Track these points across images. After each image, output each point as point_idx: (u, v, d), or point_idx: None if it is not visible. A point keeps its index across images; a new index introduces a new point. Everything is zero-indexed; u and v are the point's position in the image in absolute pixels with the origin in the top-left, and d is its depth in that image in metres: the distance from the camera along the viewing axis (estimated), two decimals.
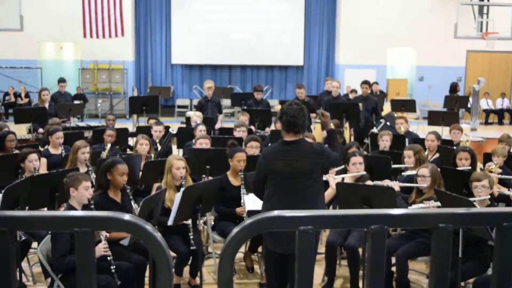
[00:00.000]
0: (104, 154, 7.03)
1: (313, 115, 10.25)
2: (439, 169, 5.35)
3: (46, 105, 10.56)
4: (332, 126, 5.05)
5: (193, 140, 7.28)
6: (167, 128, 8.19)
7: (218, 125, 9.90)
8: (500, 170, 5.99)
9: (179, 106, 18.27)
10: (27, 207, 4.82)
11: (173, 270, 4.58)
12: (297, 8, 18.76)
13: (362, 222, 1.55)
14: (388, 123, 9.80)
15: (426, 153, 6.79)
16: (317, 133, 10.32)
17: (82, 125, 11.33)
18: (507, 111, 18.52)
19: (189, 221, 4.90)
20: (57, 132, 7.18)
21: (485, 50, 17.12)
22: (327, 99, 10.52)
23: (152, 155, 6.84)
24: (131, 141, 9.36)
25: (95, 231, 1.62)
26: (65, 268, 4.13)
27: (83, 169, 5.90)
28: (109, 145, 7.39)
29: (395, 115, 10.93)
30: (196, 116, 8.94)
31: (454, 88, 13.62)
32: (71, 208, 4.43)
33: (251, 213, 5.18)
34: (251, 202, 5.20)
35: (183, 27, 18.58)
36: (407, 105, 12.08)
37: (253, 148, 6.44)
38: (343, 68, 18.44)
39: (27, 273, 5.33)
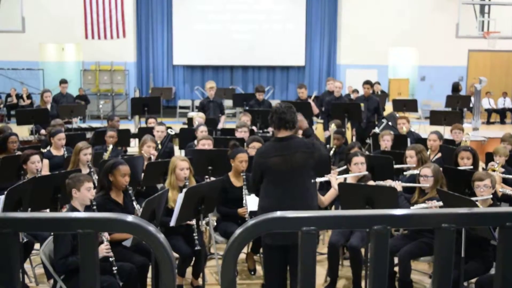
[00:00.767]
0: (106, 155, 7.04)
1: (315, 109, 10.22)
2: (441, 169, 5.34)
3: (48, 106, 10.57)
4: (306, 125, 5.12)
5: (195, 141, 7.28)
6: (167, 129, 8.19)
7: (220, 126, 9.90)
8: (502, 170, 5.98)
9: (181, 107, 18.28)
10: (29, 209, 4.82)
11: (176, 271, 4.58)
12: (298, 8, 18.76)
13: (365, 223, 1.55)
14: (390, 123, 9.80)
15: (428, 153, 6.78)
16: (319, 133, 10.34)
17: (84, 126, 11.35)
18: (509, 110, 18.49)
19: (193, 221, 4.89)
20: (59, 133, 7.18)
21: (487, 49, 17.10)
22: (329, 99, 10.51)
23: (152, 157, 6.84)
24: (133, 142, 9.37)
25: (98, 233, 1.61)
26: (68, 269, 4.13)
27: (85, 170, 5.91)
28: (111, 146, 7.39)
29: (397, 115, 10.92)
30: (198, 117, 8.94)
31: (456, 87, 13.61)
32: (74, 209, 4.43)
33: (253, 213, 5.19)
34: (253, 202, 5.20)
35: (184, 27, 18.59)
36: (409, 105, 12.07)
37: (255, 149, 6.42)
38: (344, 68, 18.44)
39: (29, 274, 5.34)
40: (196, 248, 4.83)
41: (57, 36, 17.64)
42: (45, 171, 6.43)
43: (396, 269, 4.98)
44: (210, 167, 6.08)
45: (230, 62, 19.01)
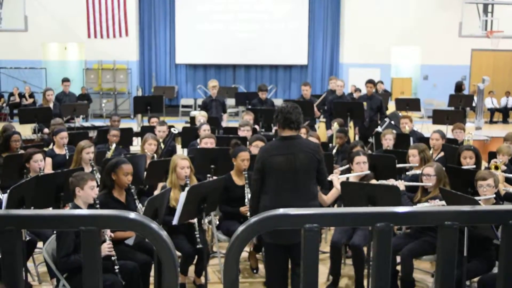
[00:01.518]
0: (109, 154, 7.05)
1: (316, 113, 10.23)
2: (444, 168, 5.34)
3: (51, 105, 10.59)
4: None
5: (198, 140, 7.28)
6: (170, 128, 8.20)
7: (222, 125, 9.90)
8: (505, 168, 5.98)
9: (183, 106, 18.28)
10: (32, 207, 4.83)
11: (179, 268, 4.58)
12: (301, 7, 18.74)
13: (367, 220, 1.55)
14: (392, 122, 9.78)
15: (430, 152, 6.77)
16: (321, 132, 10.33)
17: (87, 125, 11.36)
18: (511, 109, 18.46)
19: (195, 220, 4.89)
20: (61, 132, 7.19)
21: (490, 48, 17.07)
22: (331, 98, 10.51)
23: (155, 155, 6.85)
24: (136, 140, 9.38)
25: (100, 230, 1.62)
26: (70, 267, 4.14)
27: (87, 169, 5.92)
28: (114, 145, 7.40)
29: (400, 114, 10.91)
30: (201, 116, 8.94)
31: (459, 87, 13.58)
32: (77, 207, 4.44)
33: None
34: None
35: (187, 26, 18.60)
36: (412, 104, 12.05)
37: (258, 148, 6.42)
38: (347, 67, 18.42)
39: (32, 272, 5.35)
40: (198, 246, 4.83)
41: (59, 35, 17.66)
42: (48, 170, 6.44)
43: (399, 268, 4.97)
44: (212, 166, 6.08)
45: (233, 61, 19.01)
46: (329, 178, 5.38)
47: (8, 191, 4.62)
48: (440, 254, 1.56)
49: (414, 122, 9.01)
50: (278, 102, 17.35)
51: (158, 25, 18.92)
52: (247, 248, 5.61)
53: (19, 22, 16.53)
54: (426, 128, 11.94)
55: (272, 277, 4.52)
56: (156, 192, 5.62)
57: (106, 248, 4.21)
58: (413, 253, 4.91)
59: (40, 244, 5.12)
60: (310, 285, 1.55)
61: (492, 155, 6.69)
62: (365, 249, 5.06)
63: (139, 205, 4.83)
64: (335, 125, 8.31)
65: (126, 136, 8.38)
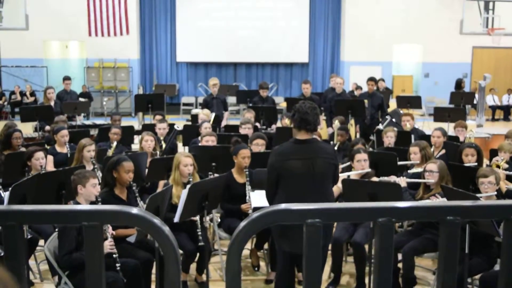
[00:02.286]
0: (110, 152, 7.05)
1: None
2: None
3: (52, 103, 10.58)
4: None
5: (199, 138, 7.29)
6: (171, 125, 8.20)
7: (223, 123, 9.91)
8: (506, 166, 5.97)
9: (184, 104, 18.28)
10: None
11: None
12: (302, 5, 18.72)
13: (369, 215, 1.55)
14: (393, 120, 9.78)
15: (432, 149, 6.77)
16: (322, 130, 10.33)
17: (88, 123, 11.36)
18: None
19: (197, 217, 4.89)
20: (62, 130, 7.19)
21: (491, 46, 17.06)
22: (332, 96, 10.51)
23: (158, 152, 6.85)
24: (137, 139, 9.37)
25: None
26: (72, 265, 4.14)
27: (89, 167, 5.91)
28: (115, 143, 7.41)
29: (401, 111, 10.90)
30: (203, 114, 8.95)
31: (459, 84, 13.58)
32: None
33: (256, 209, 5.17)
34: (256, 198, 5.21)
35: (188, 24, 18.59)
36: (413, 102, 12.05)
37: (259, 146, 6.43)
38: (348, 65, 18.40)
39: (34, 270, 5.36)
40: (200, 244, 4.83)
41: (60, 33, 17.64)
42: (50, 168, 6.44)
43: (400, 265, 4.97)
44: (213, 164, 6.07)
45: (234, 59, 18.99)
46: None
47: (10, 189, 4.63)
48: (442, 249, 1.55)
49: (415, 119, 9.01)
50: (279, 100, 17.39)
51: (159, 23, 18.91)
52: (248, 246, 5.62)
53: (20, 21, 16.56)
54: (427, 125, 11.94)
55: (283, 283, 4.44)
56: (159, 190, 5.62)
57: (108, 246, 4.21)
58: (414, 251, 4.91)
59: (41, 242, 5.12)
60: (312, 281, 1.55)
61: (494, 153, 6.68)
62: (366, 246, 5.06)
63: (141, 203, 4.83)
64: (336, 123, 8.31)
65: (127, 134, 8.38)
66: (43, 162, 5.96)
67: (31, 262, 5.31)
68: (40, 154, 5.96)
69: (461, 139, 7.69)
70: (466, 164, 5.87)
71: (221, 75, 18.68)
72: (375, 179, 5.37)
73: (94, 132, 9.20)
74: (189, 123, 10.06)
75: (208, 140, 6.75)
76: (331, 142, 8.09)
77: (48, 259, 4.32)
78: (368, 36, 17.82)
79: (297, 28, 18.76)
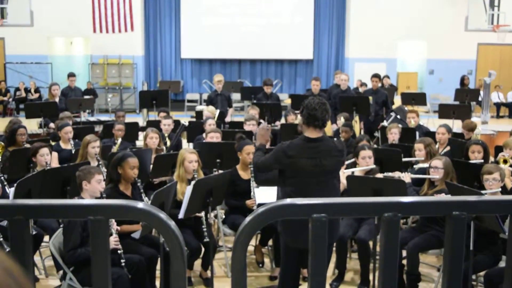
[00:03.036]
0: (115, 148, 7.06)
1: None
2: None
3: (56, 99, 10.61)
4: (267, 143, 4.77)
5: (204, 134, 7.29)
6: (177, 121, 8.20)
7: (228, 119, 9.91)
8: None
9: (189, 101, 18.28)
10: None
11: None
12: (306, 1, 18.68)
13: (375, 210, 1.55)
14: (398, 116, 9.76)
15: (436, 146, 6.76)
16: (327, 127, 10.31)
17: (93, 119, 11.38)
18: None
19: (202, 213, 4.89)
20: (66, 126, 7.20)
21: (496, 43, 16.98)
22: (336, 93, 10.49)
23: (164, 148, 6.85)
24: (142, 135, 9.38)
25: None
26: (77, 260, 4.16)
27: (93, 163, 5.93)
28: (119, 139, 7.42)
29: (406, 108, 10.88)
30: (207, 111, 8.95)
31: (462, 81, 13.54)
32: None
33: (261, 206, 5.17)
34: (261, 195, 5.21)
35: (192, 21, 18.57)
36: (418, 99, 12.02)
37: None
38: (353, 61, 18.36)
39: (39, 266, 5.38)
40: (205, 240, 4.83)
41: (65, 29, 17.66)
42: (55, 164, 6.46)
43: (404, 262, 4.97)
44: (218, 160, 6.08)
45: (238, 55, 18.97)
46: None
47: (15, 185, 4.64)
48: (448, 244, 1.55)
49: (420, 116, 8.99)
50: (283, 96, 17.38)
51: (163, 20, 18.90)
52: (253, 242, 5.62)
53: (25, 17, 16.59)
54: (432, 122, 11.91)
55: (288, 280, 4.38)
56: None
57: (113, 242, 4.22)
58: (419, 247, 4.91)
59: (46, 238, 5.14)
60: (318, 276, 1.55)
61: (499, 149, 6.67)
62: (370, 243, 5.06)
63: (145, 199, 4.84)
64: (341, 119, 8.30)
65: (132, 130, 8.39)
66: (48, 158, 5.97)
67: (36, 258, 5.32)
68: (45, 150, 5.97)
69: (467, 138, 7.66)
70: (471, 161, 5.86)
71: (225, 71, 18.67)
72: (379, 175, 5.36)
73: (98, 128, 9.23)
74: (194, 119, 10.07)
75: (213, 136, 6.75)
76: (335, 139, 8.08)
77: (53, 254, 4.33)
78: (372, 33, 17.77)
79: (301, 25, 18.72)
